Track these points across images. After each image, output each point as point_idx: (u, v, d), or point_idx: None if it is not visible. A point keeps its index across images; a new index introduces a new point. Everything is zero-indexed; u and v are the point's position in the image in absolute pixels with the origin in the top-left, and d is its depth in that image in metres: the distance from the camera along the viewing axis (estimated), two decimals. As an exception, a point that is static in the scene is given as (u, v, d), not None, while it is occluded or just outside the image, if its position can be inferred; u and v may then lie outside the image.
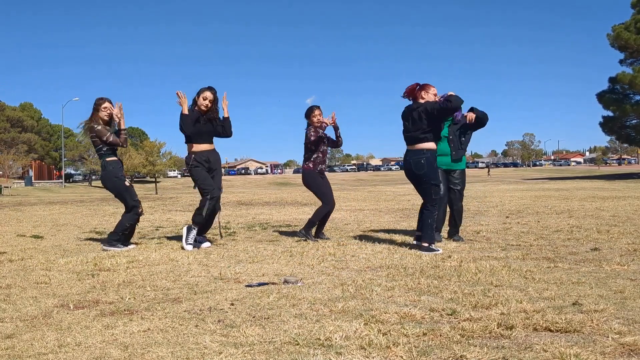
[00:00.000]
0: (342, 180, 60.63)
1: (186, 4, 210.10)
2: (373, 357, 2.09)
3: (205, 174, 5.42)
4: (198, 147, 5.44)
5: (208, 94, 5.46)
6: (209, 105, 5.47)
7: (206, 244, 5.42)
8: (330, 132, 6.04)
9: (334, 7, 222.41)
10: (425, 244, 4.80)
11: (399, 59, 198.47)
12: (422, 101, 4.98)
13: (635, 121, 35.79)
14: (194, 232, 5.28)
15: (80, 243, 6.04)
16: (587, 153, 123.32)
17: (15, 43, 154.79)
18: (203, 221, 5.38)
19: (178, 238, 6.32)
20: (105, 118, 5.45)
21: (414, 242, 5.12)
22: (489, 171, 66.36)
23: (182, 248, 5.22)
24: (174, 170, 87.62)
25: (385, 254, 4.64)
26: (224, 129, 5.58)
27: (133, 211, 5.44)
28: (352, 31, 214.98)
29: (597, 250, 4.57)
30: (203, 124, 5.44)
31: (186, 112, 5.32)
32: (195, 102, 5.48)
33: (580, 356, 2.02)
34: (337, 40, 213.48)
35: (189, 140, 5.48)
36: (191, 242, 5.22)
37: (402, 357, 2.08)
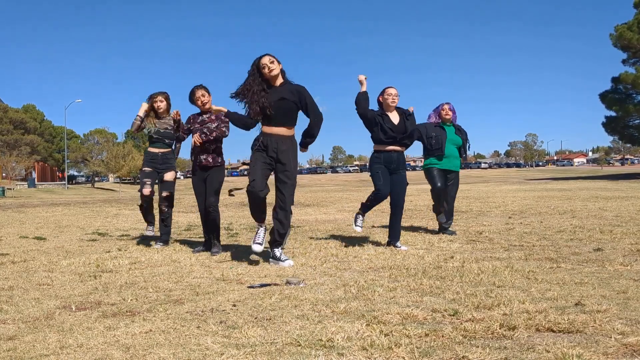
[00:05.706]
0: (344, 180, 60.55)
1: (187, 2, 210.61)
2: (375, 358, 2.08)
3: None
4: None
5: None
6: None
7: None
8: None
9: (334, 6, 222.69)
10: None
11: (400, 58, 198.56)
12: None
13: (638, 121, 35.67)
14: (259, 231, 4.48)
15: (82, 244, 6.05)
16: (590, 153, 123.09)
17: (17, 44, 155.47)
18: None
19: (180, 239, 6.33)
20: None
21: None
22: None
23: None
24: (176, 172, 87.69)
25: (387, 255, 4.63)
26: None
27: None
28: (351, 32, 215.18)
29: (600, 251, 4.56)
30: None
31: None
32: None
33: (582, 357, 2.01)
34: (337, 40, 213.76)
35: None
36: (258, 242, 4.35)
37: (404, 357, 2.07)
